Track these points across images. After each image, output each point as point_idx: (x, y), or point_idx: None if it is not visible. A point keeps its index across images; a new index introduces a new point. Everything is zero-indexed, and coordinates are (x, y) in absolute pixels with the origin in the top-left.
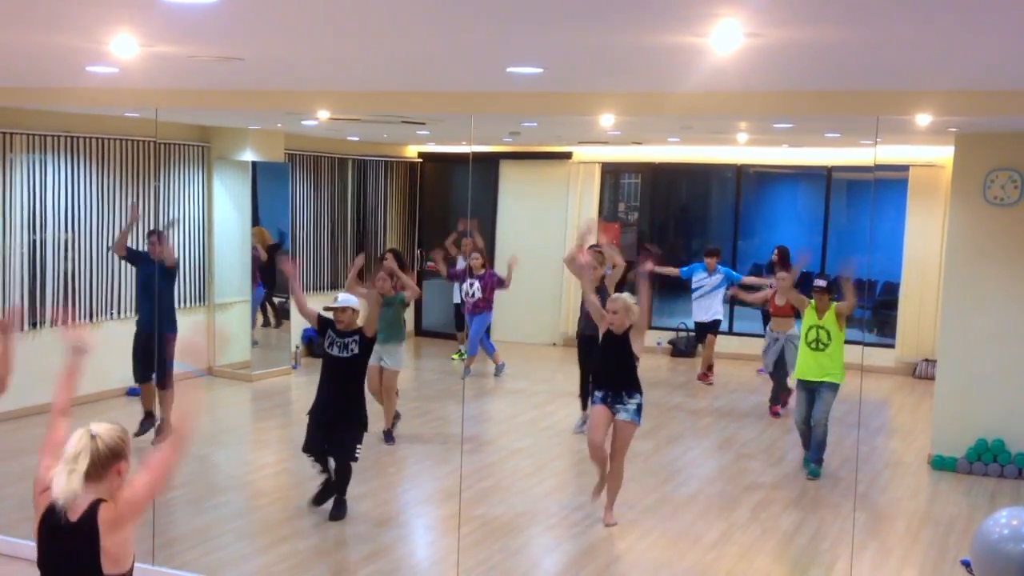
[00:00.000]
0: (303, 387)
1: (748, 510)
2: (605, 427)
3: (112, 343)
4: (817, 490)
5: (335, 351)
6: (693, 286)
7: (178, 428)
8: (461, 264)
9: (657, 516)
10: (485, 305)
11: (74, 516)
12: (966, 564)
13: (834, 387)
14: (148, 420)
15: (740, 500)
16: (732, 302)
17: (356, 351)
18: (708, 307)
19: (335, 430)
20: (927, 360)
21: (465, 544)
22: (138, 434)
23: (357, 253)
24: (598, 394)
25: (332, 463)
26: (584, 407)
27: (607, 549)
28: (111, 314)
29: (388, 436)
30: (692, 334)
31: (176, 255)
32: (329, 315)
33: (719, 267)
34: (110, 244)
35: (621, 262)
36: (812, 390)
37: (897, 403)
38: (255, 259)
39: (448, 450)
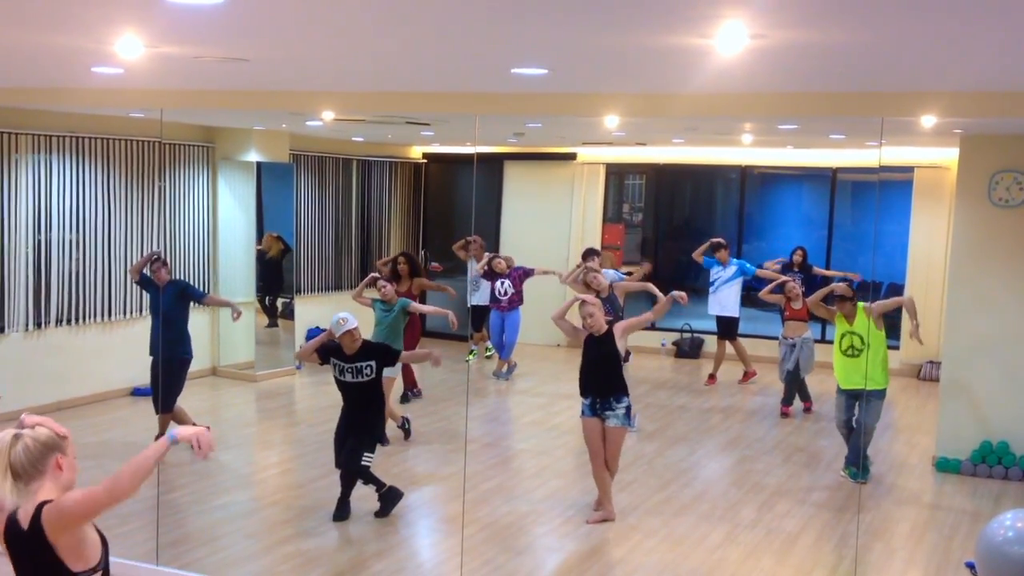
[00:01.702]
0: (307, 388)
1: (752, 511)
2: (601, 439)
3: (117, 344)
4: (821, 491)
5: (348, 377)
6: (710, 279)
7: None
8: (474, 268)
9: (661, 517)
10: (518, 300)
11: (25, 524)
12: (971, 566)
13: (879, 394)
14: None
15: (745, 501)
16: (751, 300)
17: (372, 375)
18: (724, 301)
19: (350, 441)
20: (932, 362)
21: (469, 545)
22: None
23: (362, 254)
24: (586, 403)
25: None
26: None
27: (611, 550)
28: (116, 315)
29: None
30: (694, 335)
31: (180, 257)
32: (327, 337)
33: (732, 259)
34: (115, 245)
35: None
36: (853, 396)
37: (902, 405)
38: (269, 262)
39: (452, 451)
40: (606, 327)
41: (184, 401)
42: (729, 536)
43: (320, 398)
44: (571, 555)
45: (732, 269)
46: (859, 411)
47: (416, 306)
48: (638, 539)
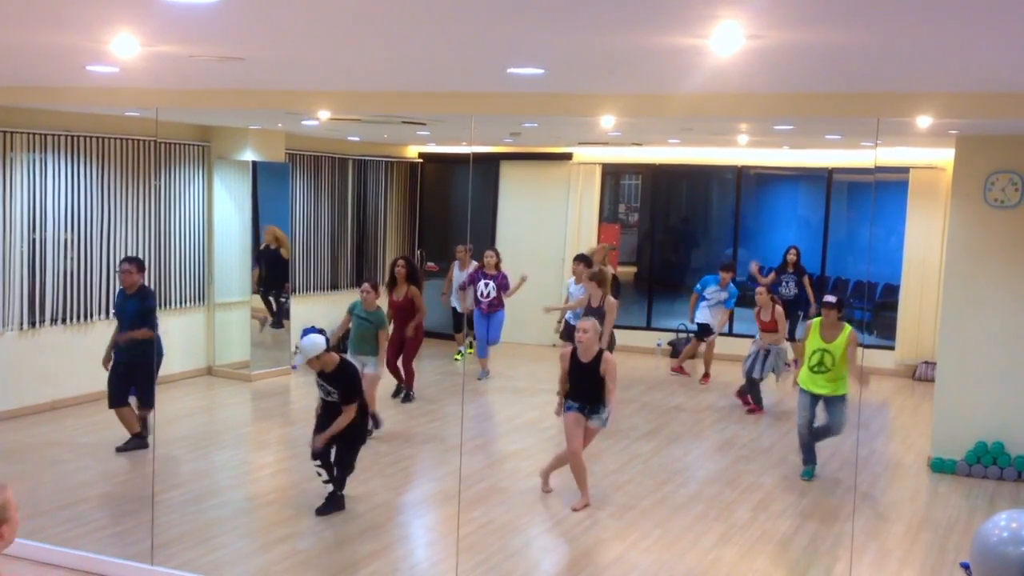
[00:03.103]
0: (302, 387)
1: (747, 512)
2: (582, 433)
3: None
4: (817, 492)
5: (322, 393)
6: (705, 296)
7: None
8: (459, 272)
9: (656, 518)
10: (499, 304)
11: None
12: (965, 567)
13: (842, 398)
14: (136, 439)
15: (739, 502)
16: (746, 300)
17: (336, 400)
18: (710, 316)
19: (337, 446)
20: (927, 362)
21: (464, 545)
22: (122, 449)
23: (358, 253)
24: (574, 404)
25: (333, 469)
26: None
27: (605, 551)
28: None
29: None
30: (690, 335)
31: (175, 255)
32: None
33: (731, 284)
34: (111, 244)
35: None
36: (817, 399)
37: (897, 405)
38: (272, 257)
39: (447, 451)
40: (595, 353)
41: (180, 400)
42: (724, 537)
43: (315, 397)
44: (566, 555)
45: (725, 295)
46: (825, 416)
47: (385, 336)
48: (633, 539)
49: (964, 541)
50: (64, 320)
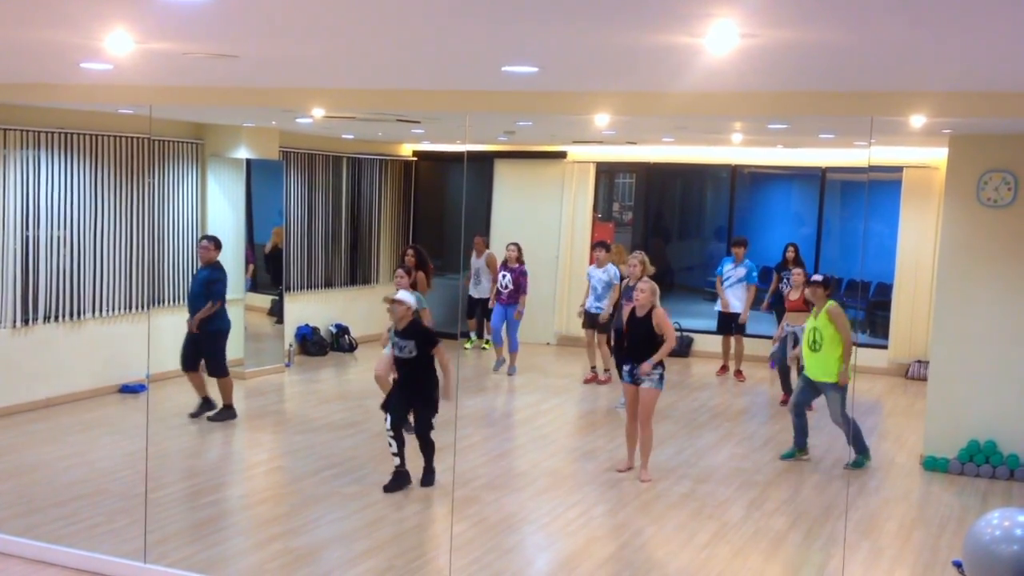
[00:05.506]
0: (296, 385)
1: (742, 509)
2: (636, 402)
3: (105, 341)
4: (810, 490)
5: (396, 352)
6: (724, 275)
7: None
8: (476, 263)
9: (650, 515)
10: (514, 298)
11: None
12: (958, 565)
13: (834, 386)
14: (205, 404)
15: (734, 499)
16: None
17: (414, 353)
18: (732, 298)
19: (414, 409)
20: (919, 361)
21: (457, 543)
22: (194, 415)
23: (352, 251)
24: (626, 369)
25: (404, 445)
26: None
27: (599, 549)
28: (105, 312)
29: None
30: (684, 333)
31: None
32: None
33: (746, 258)
34: (104, 241)
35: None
36: (812, 384)
37: (889, 404)
38: (274, 257)
39: (442, 448)
40: (649, 308)
41: (174, 399)
42: (718, 534)
43: (309, 395)
44: (560, 553)
45: (743, 270)
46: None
47: (427, 315)
48: (627, 537)
49: (957, 539)
50: (58, 317)
